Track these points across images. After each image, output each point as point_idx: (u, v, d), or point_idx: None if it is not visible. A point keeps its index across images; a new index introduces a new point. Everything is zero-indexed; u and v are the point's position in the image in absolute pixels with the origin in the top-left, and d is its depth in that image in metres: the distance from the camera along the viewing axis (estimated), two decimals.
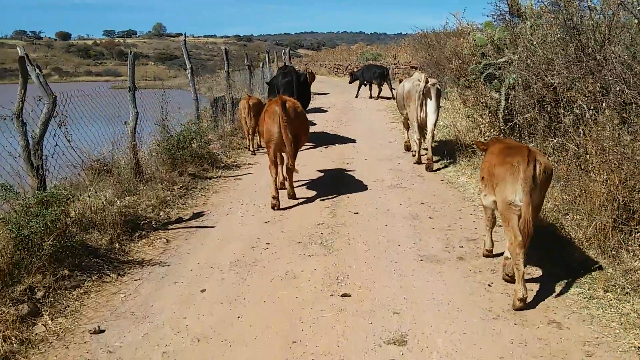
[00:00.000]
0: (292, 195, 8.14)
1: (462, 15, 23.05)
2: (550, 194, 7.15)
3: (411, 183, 9.04)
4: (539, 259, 5.53)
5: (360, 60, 37.18)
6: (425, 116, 9.72)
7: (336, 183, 9.14)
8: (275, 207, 7.67)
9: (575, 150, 7.52)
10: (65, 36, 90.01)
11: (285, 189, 8.31)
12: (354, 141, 13.21)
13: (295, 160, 7.92)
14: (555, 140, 7.87)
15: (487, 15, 10.48)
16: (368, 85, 22.80)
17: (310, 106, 22.18)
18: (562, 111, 7.81)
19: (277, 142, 7.69)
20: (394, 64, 31.74)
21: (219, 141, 12.14)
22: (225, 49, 14.48)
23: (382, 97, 22.66)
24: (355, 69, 27.03)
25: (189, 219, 7.40)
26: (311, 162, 10.88)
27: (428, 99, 9.58)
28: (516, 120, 9.56)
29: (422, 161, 10.13)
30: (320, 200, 8.15)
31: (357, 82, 23.26)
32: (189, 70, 11.75)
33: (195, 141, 10.55)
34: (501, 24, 10.63)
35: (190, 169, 9.70)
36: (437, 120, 9.91)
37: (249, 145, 12.10)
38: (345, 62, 39.47)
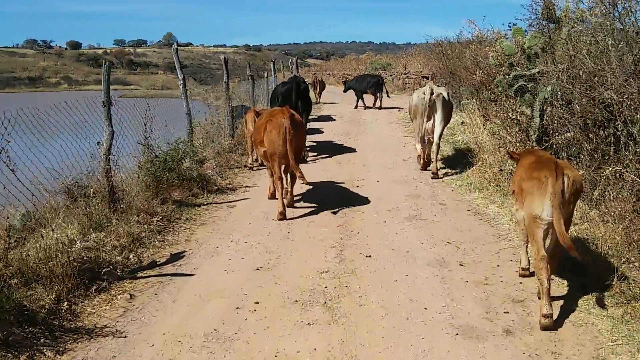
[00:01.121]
0: (291, 204, 7.86)
1: (482, 23, 21.65)
2: (607, 233, 5.72)
3: (432, 213, 7.58)
4: None
5: (370, 70, 35.80)
6: (432, 128, 9.50)
7: (344, 212, 7.70)
8: (282, 219, 7.39)
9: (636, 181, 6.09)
10: (75, 45, 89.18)
11: (275, 198, 7.87)
12: (364, 158, 11.77)
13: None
14: (610, 169, 6.41)
15: (520, 20, 9.02)
16: (362, 96, 21.78)
17: (318, 114, 20.97)
18: (620, 133, 6.36)
19: (281, 155, 7.34)
20: (404, 74, 30.34)
21: (215, 159, 10.74)
22: (225, 57, 13.13)
23: (388, 108, 21.22)
24: (348, 78, 25.64)
25: (165, 263, 5.98)
26: (317, 184, 9.45)
27: (434, 111, 9.37)
28: (553, 141, 8.10)
29: (429, 168, 9.95)
30: (326, 235, 6.71)
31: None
32: (181, 82, 10.38)
33: (185, 161, 9.17)
34: (534, 29, 9.18)
35: (177, 194, 8.30)
36: (442, 132, 9.77)
37: (251, 162, 10.82)
38: (354, 71, 38.07)
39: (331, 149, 12.98)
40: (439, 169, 9.75)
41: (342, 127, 16.78)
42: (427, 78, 25.45)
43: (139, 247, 6.29)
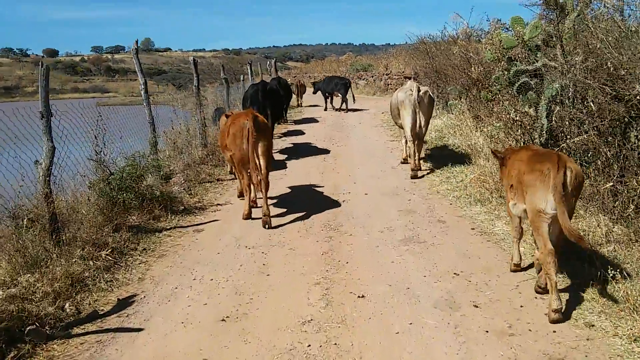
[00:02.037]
0: (266, 217, 6.98)
1: (469, 17, 20.55)
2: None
3: (432, 234, 6.44)
4: None
5: (350, 71, 34.72)
6: (418, 125, 9.29)
7: (330, 234, 6.54)
8: (248, 217, 7.30)
9: None
10: (52, 53, 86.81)
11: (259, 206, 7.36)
12: (349, 167, 10.62)
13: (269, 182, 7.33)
14: None
15: (526, 6, 7.91)
16: (330, 97, 21.53)
17: (300, 117, 19.78)
18: None
19: (246, 158, 6.93)
20: (386, 75, 29.25)
21: (183, 173, 9.51)
22: (194, 59, 11.90)
23: (356, 110, 20.10)
24: (317, 80, 24.76)
25: (109, 313, 4.76)
26: (297, 199, 8.28)
27: (420, 109, 9.19)
28: (563, 145, 7.03)
29: (410, 163, 9.74)
30: (308, 267, 5.54)
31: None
32: (142, 87, 9.16)
33: (146, 178, 7.95)
34: (538, 16, 8.08)
35: (134, 218, 7.08)
36: (427, 129, 9.78)
37: (229, 171, 9.77)
38: (335, 73, 36.95)
39: (313, 156, 11.81)
40: (420, 167, 9.69)
41: (325, 132, 15.61)
42: (410, 78, 24.37)
43: (79, 292, 5.05)
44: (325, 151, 12.52)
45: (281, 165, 11.06)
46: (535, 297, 4.65)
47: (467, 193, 8.09)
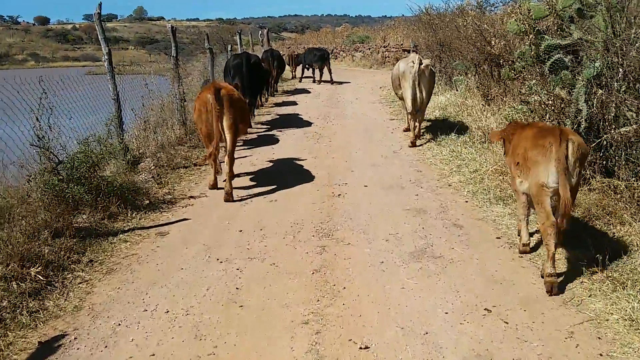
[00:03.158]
0: (229, 194, 6.70)
1: None
2: None
3: (449, 244, 5.12)
4: None
5: (346, 43, 33.12)
6: (419, 97, 9.07)
7: (323, 243, 5.22)
8: (214, 187, 7.09)
9: None
10: (44, 21, 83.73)
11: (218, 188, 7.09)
12: (346, 150, 9.26)
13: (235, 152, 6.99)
14: None
15: None
16: (310, 69, 21.15)
17: (292, 91, 18.32)
18: None
19: (211, 132, 6.61)
20: (384, 47, 27.67)
21: (155, 157, 8.12)
22: (172, 26, 10.39)
23: (334, 82, 18.65)
24: (299, 52, 23.66)
25: None
26: (284, 190, 6.95)
27: (422, 81, 9.01)
28: (607, 137, 5.71)
29: (419, 138, 9.60)
30: (294, 294, 4.23)
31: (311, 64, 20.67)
32: (105, 57, 7.68)
33: (106, 165, 6.59)
34: None
35: (84, 218, 5.73)
36: (428, 100, 9.61)
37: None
38: (330, 44, 35.27)
39: (306, 138, 10.43)
40: (418, 138, 9.58)
41: (319, 109, 14.17)
42: (408, 51, 22.91)
43: None
44: (320, 130, 11.14)
45: (269, 146, 9.69)
46: (601, 355, 3.36)
47: (484, 187, 6.77)
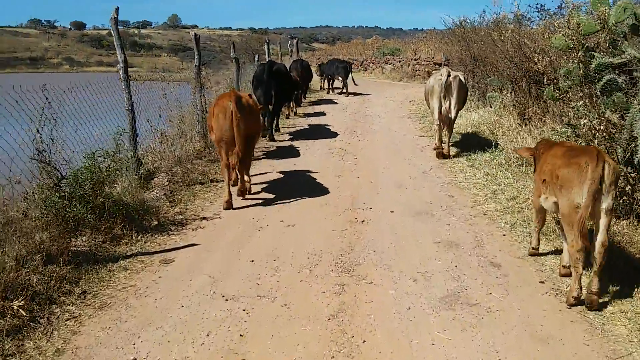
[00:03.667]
0: (243, 192, 7.05)
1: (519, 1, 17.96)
2: None
3: (486, 289, 4.46)
4: None
5: (376, 55, 32.49)
6: (447, 110, 9.07)
7: (342, 280, 4.61)
8: (228, 207, 6.64)
9: None
10: (80, 26, 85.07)
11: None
12: (372, 169, 8.64)
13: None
14: None
15: None
16: (332, 80, 20.56)
17: (319, 103, 17.73)
18: None
19: (228, 140, 6.54)
20: (415, 60, 26.95)
21: (170, 172, 7.62)
22: (195, 34, 9.95)
23: (356, 94, 17.99)
24: (323, 62, 23.08)
25: None
26: (304, 213, 6.36)
27: (450, 94, 8.96)
28: None
29: (444, 152, 9.32)
30: (305, 347, 3.63)
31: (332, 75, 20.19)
32: (121, 65, 7.21)
33: (116, 181, 6.12)
34: None
35: (84, 240, 5.22)
36: (457, 115, 9.33)
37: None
38: (360, 56, 34.70)
39: (330, 154, 9.84)
40: (450, 151, 9.39)
41: (346, 122, 13.58)
42: (440, 65, 22.24)
43: None
44: (345, 146, 10.54)
45: (290, 161, 9.13)
46: None
47: (523, 219, 6.09)
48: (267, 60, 15.70)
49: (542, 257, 5.12)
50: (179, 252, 5.30)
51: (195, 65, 9.71)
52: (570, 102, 6.58)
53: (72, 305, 4.21)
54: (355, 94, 19.55)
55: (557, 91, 6.62)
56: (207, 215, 6.44)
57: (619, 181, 5.90)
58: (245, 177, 7.19)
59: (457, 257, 5.13)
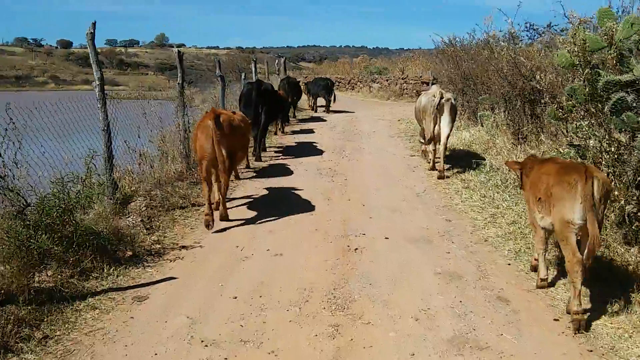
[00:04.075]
0: (224, 217, 6.70)
1: (514, 16, 17.62)
2: None
3: (495, 329, 3.98)
4: None
5: (364, 74, 32.24)
6: (440, 129, 9.15)
7: (336, 323, 4.11)
8: (210, 225, 6.30)
9: None
10: (66, 44, 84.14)
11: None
12: (363, 191, 8.18)
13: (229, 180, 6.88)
14: None
15: None
16: (317, 98, 20.56)
17: (306, 122, 17.23)
18: None
19: (210, 158, 6.38)
20: (402, 79, 26.75)
21: (148, 195, 7.09)
22: (179, 51, 9.48)
23: (337, 111, 17.63)
24: (309, 80, 23.32)
25: None
26: (292, 240, 5.85)
27: (441, 114, 9.06)
28: None
29: (437, 168, 9.34)
30: None
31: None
32: (97, 83, 6.71)
33: (84, 208, 5.58)
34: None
35: (49, 274, 4.68)
36: (450, 133, 9.34)
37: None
38: (347, 75, 34.46)
39: (319, 175, 9.37)
40: (445, 170, 9.29)
41: (334, 141, 13.13)
42: (427, 84, 21.99)
43: None
44: (334, 166, 10.08)
45: (277, 184, 8.65)
46: None
47: (527, 245, 5.65)
48: (254, 78, 15.30)
49: (553, 290, 4.66)
50: (154, 288, 4.77)
51: (179, 83, 9.22)
52: (573, 121, 6.17)
53: (31, 354, 3.66)
54: (341, 112, 19.20)
55: (560, 110, 6.21)
56: (187, 243, 5.91)
57: (631, 206, 5.54)
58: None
59: (461, 290, 4.65)
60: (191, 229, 6.43)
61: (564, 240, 4.13)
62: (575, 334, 3.91)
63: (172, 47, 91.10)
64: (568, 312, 4.15)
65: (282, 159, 10.98)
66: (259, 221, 6.71)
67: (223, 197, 6.69)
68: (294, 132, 14.79)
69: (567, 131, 6.62)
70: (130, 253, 5.42)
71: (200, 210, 7.11)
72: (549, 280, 4.79)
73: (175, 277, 4.97)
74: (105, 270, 4.98)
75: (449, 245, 5.80)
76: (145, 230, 6.12)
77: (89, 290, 4.63)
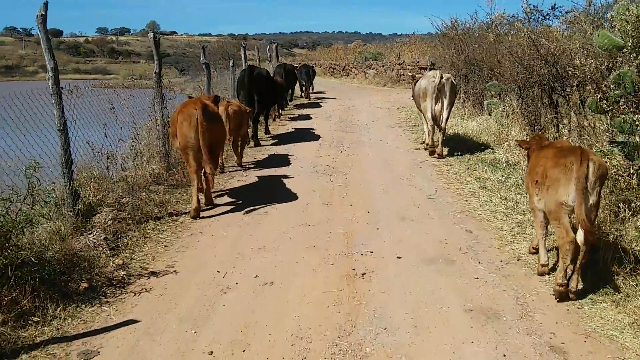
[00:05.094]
0: (210, 201, 6.58)
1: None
2: None
3: None
4: None
5: (359, 60, 31.03)
6: (440, 110, 9.07)
7: None
8: (196, 216, 6.12)
9: None
10: (57, 33, 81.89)
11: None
12: (367, 194, 7.10)
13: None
14: None
15: None
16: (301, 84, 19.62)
17: (300, 111, 16.11)
18: None
19: (194, 148, 6.08)
20: (399, 64, 25.54)
21: (116, 205, 5.97)
22: (154, 35, 8.29)
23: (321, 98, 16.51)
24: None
25: None
26: (281, 267, 4.76)
27: (443, 95, 8.96)
28: None
29: (437, 152, 9.20)
30: None
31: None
32: (50, 75, 5.55)
33: (32, 227, 4.49)
34: None
35: None
36: (449, 114, 9.27)
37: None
38: (342, 61, 33.26)
39: (316, 173, 8.28)
40: (443, 151, 9.26)
41: (331, 133, 12.02)
42: (425, 69, 20.83)
43: None
44: (332, 162, 8.99)
45: (268, 184, 7.56)
46: None
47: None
48: (244, 65, 14.13)
49: (618, 334, 3.60)
50: (108, 337, 3.67)
51: (155, 72, 8.04)
52: (619, 114, 5.08)
53: None
54: (336, 100, 18.04)
55: (604, 101, 5.10)
56: (159, 267, 4.81)
57: None
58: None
59: (501, 336, 3.59)
60: (165, 247, 5.32)
61: (557, 220, 4.14)
62: (557, 301, 4.06)
63: (164, 34, 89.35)
64: (555, 291, 4.18)
65: (274, 154, 9.88)
66: (247, 234, 5.62)
67: (209, 186, 6.56)
68: (290, 119, 13.86)
69: (610, 126, 5.53)
70: (85, 285, 4.32)
71: (178, 222, 6.02)
72: (550, 266, 4.60)
73: (137, 320, 3.87)
74: (50, 312, 3.89)
75: (475, 267, 4.73)
76: (108, 252, 5.02)
77: (24, 342, 3.54)
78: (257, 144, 10.61)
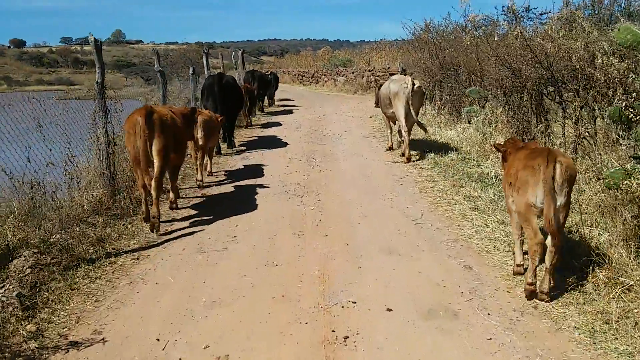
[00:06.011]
0: (156, 217, 5.70)
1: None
2: None
3: None
4: None
5: (328, 67, 30.08)
6: (411, 116, 8.84)
7: None
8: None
9: None
10: (19, 43, 78.94)
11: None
12: (344, 221, 6.05)
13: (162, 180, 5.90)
14: None
15: None
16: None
17: (268, 120, 14.98)
18: None
19: (141, 157, 5.62)
20: (369, 71, 24.65)
21: (40, 247, 4.79)
22: (95, 39, 7.11)
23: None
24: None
25: None
26: (239, 337, 3.66)
27: (413, 102, 8.88)
28: None
29: (405, 155, 8.97)
30: None
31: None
32: None
33: None
34: None
35: None
36: (416, 120, 8.98)
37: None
38: (311, 68, 32.28)
39: (285, 194, 7.21)
40: (411, 155, 9.10)
41: (302, 145, 10.97)
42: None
43: None
44: (304, 180, 7.94)
45: (229, 212, 6.45)
46: None
47: (596, 310, 3.62)
48: (206, 73, 13.00)
49: None
50: None
51: (97, 82, 6.88)
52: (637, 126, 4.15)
53: None
54: (306, 109, 16.99)
55: (630, 109, 4.17)
56: (82, 334, 3.66)
57: None
58: (171, 195, 6.74)
59: None
60: (96, 302, 4.17)
61: (526, 222, 4.15)
62: (528, 300, 4.01)
63: (130, 43, 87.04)
64: (525, 290, 4.16)
65: (239, 168, 8.82)
66: (199, 281, 4.51)
67: (156, 197, 5.79)
68: (260, 127, 12.87)
69: (630, 138, 4.61)
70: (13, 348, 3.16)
71: (117, 265, 4.88)
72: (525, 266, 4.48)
73: None
74: None
75: (485, 322, 3.71)
76: (20, 313, 3.85)
77: None
78: (232, 146, 10.66)
